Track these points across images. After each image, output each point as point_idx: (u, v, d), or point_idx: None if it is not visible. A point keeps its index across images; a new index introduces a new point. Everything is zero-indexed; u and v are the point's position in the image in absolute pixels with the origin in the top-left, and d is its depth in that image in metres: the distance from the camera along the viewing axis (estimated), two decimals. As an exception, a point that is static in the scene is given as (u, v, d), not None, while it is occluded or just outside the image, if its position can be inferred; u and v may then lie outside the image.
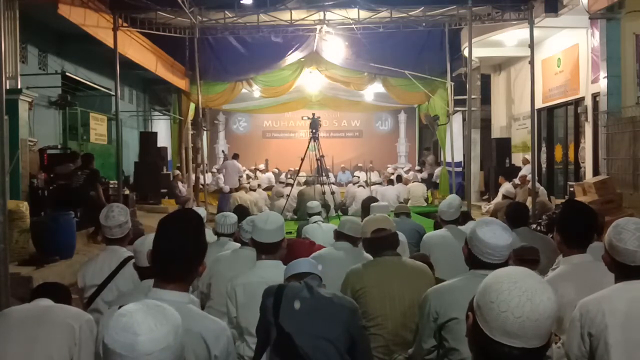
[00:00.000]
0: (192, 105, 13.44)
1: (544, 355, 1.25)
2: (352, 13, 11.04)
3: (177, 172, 13.51)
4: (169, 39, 11.29)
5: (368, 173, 15.76)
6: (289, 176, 15.11)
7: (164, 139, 14.98)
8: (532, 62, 9.69)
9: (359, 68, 13.07)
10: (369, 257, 3.33)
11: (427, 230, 5.31)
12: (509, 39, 11.72)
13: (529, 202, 9.09)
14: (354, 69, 13.21)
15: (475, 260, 2.36)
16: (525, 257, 3.34)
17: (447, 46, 12.21)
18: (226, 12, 11.07)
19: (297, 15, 11.18)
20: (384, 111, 19.21)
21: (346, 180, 16.39)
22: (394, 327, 3.00)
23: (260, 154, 18.64)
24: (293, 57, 12.84)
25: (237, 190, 12.70)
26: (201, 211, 5.54)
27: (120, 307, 1.87)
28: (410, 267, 3.18)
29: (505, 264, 2.30)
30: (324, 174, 10.67)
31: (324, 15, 11.13)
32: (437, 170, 14.49)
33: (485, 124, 14.54)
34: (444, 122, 13.12)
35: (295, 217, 10.86)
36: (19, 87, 7.81)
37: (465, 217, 5.06)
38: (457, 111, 13.14)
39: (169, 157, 14.78)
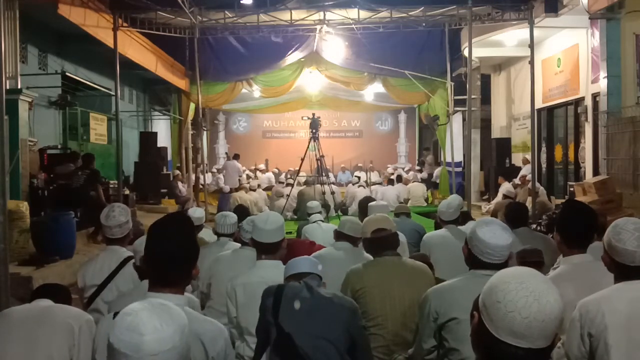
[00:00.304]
0: (192, 105, 13.44)
1: (548, 356, 1.25)
2: (352, 13, 11.04)
3: (177, 172, 13.52)
4: (169, 39, 11.29)
5: (368, 173, 15.76)
6: (289, 176, 15.12)
7: (164, 139, 14.99)
8: (532, 62, 9.69)
9: (359, 68, 13.07)
10: (369, 257, 3.33)
11: (427, 230, 5.31)
12: (509, 39, 11.72)
13: (529, 202, 9.09)
14: (354, 69, 13.21)
15: (475, 260, 2.36)
16: (528, 260, 3.34)
17: (447, 46, 12.21)
18: (226, 12, 11.07)
19: (297, 15, 11.18)
20: (384, 111, 19.21)
21: (346, 180, 16.39)
22: (394, 327, 3.00)
23: (260, 154, 18.64)
24: (293, 57, 12.84)
25: (237, 190, 12.71)
26: (199, 211, 5.55)
27: (115, 314, 1.90)
28: (411, 267, 3.18)
29: (505, 264, 2.30)
30: (324, 174, 10.67)
31: (324, 15, 11.13)
32: (437, 170, 14.49)
33: (485, 124, 14.54)
34: (444, 122, 13.12)
35: (295, 217, 10.86)
36: (19, 87, 7.81)
37: (465, 217, 5.05)
38: (457, 111, 13.14)
39: (169, 157, 14.79)
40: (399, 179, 13.56)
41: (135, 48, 10.68)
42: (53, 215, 7.02)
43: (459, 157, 13.58)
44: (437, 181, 14.20)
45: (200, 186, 13.02)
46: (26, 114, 7.91)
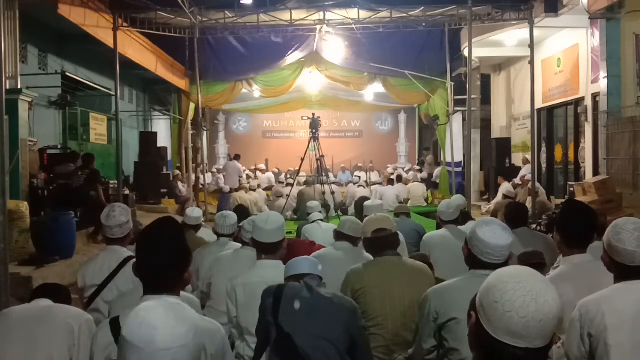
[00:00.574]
0: (192, 105, 13.44)
1: (546, 355, 1.25)
2: (352, 13, 11.04)
3: (177, 172, 13.52)
4: (169, 39, 11.29)
5: (368, 173, 15.76)
6: (289, 176, 15.12)
7: (164, 139, 14.99)
8: (532, 62, 9.69)
9: (359, 68, 13.06)
10: (369, 257, 3.33)
11: (428, 230, 5.31)
12: (509, 39, 11.72)
13: (528, 202, 9.09)
14: (354, 69, 13.21)
15: (475, 260, 2.36)
16: (531, 262, 3.36)
17: (447, 46, 12.21)
18: (226, 12, 11.07)
19: (297, 15, 11.18)
20: (384, 111, 19.21)
21: (346, 180, 16.40)
22: (394, 327, 3.00)
23: (260, 154, 18.65)
24: (293, 57, 12.84)
25: (237, 190, 12.71)
26: (197, 211, 5.56)
27: (112, 320, 1.92)
28: (411, 267, 3.18)
29: (505, 264, 2.30)
30: (324, 174, 10.67)
31: (324, 15, 11.13)
32: (437, 170, 14.48)
33: (485, 124, 14.54)
34: (444, 122, 13.12)
35: (295, 217, 10.86)
36: (19, 87, 7.81)
37: (465, 217, 5.06)
38: (457, 111, 13.14)
39: (169, 157, 14.79)
40: (399, 179, 13.56)
41: (135, 48, 10.68)
42: (53, 215, 7.02)
43: (459, 157, 13.58)
44: (437, 181, 14.19)
45: (200, 186, 13.02)
46: (26, 114, 7.90)
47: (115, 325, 1.91)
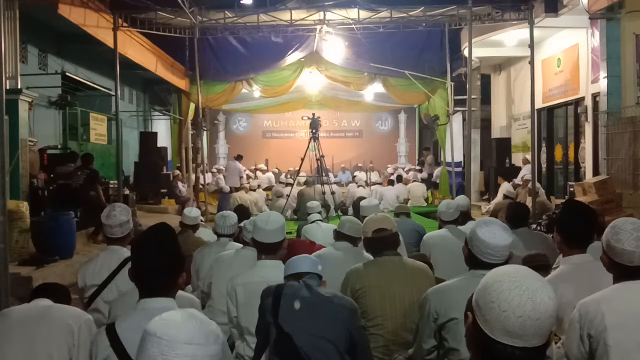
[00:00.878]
0: (192, 105, 13.44)
1: (544, 354, 1.24)
2: (352, 13, 11.05)
3: (177, 172, 13.51)
4: (169, 39, 11.29)
5: (368, 173, 15.76)
6: (289, 176, 15.13)
7: (164, 139, 14.99)
8: (532, 62, 9.69)
9: (359, 68, 13.06)
10: (369, 256, 3.33)
11: (429, 231, 5.31)
12: (509, 39, 11.72)
13: (528, 202, 9.09)
14: (354, 69, 13.20)
15: (475, 260, 2.36)
16: (535, 264, 3.39)
17: (447, 46, 12.20)
18: (226, 12, 11.07)
19: (297, 15, 11.18)
20: (384, 111, 19.20)
21: (346, 180, 16.40)
22: (394, 327, 2.99)
23: (260, 154, 18.65)
24: (293, 57, 12.84)
25: (237, 190, 12.71)
26: (195, 211, 5.57)
27: (108, 326, 1.94)
28: (411, 267, 3.18)
29: (505, 264, 2.30)
30: (324, 174, 10.67)
31: (324, 15, 11.14)
32: (437, 170, 14.49)
33: (485, 124, 14.55)
34: (444, 122, 13.12)
35: (295, 217, 10.86)
36: (19, 87, 7.81)
37: (465, 217, 5.06)
38: (457, 111, 13.14)
39: (169, 157, 14.79)
40: (399, 179, 13.56)
41: (135, 48, 10.68)
42: (53, 215, 7.01)
43: (459, 157, 13.58)
44: (437, 181, 14.20)
45: (200, 186, 13.02)
46: (26, 114, 7.90)
47: (112, 333, 1.93)
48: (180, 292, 2.34)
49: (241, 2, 11.01)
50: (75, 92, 12.02)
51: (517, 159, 13.04)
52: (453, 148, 12.79)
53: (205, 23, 11.29)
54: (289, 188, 11.93)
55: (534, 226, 6.86)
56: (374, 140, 19.89)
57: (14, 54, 7.65)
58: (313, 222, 5.83)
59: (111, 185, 10.06)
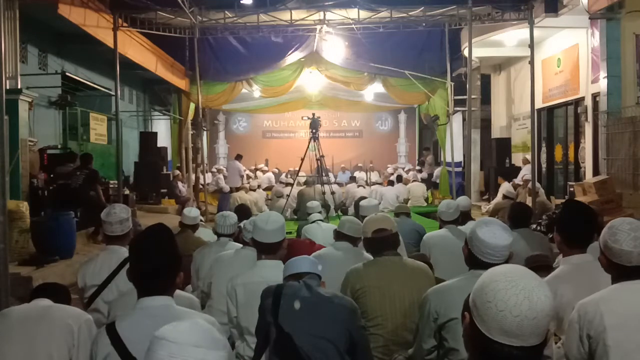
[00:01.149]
0: (192, 105, 13.44)
1: (541, 353, 1.24)
2: (352, 13, 11.04)
3: (177, 172, 13.52)
4: (169, 39, 11.29)
5: (368, 173, 15.76)
6: (289, 176, 15.13)
7: (164, 139, 15.00)
8: (532, 62, 9.69)
9: (359, 68, 13.06)
10: (369, 256, 3.32)
11: (429, 230, 5.31)
12: (509, 39, 11.72)
13: (528, 202, 9.08)
14: (354, 69, 13.20)
15: (475, 260, 2.36)
16: (537, 264, 3.40)
17: (447, 46, 12.20)
18: (226, 12, 11.07)
19: (297, 15, 11.18)
20: (384, 111, 19.20)
21: (346, 180, 16.40)
22: (393, 327, 2.99)
23: (260, 154, 18.65)
24: (293, 57, 12.84)
25: (237, 190, 12.71)
26: (194, 211, 5.57)
27: (108, 326, 1.95)
28: (411, 267, 3.18)
29: (505, 264, 2.30)
30: (324, 174, 10.67)
31: (324, 15, 11.13)
32: (437, 170, 14.49)
33: (485, 124, 14.54)
34: (444, 122, 13.12)
35: (295, 217, 10.86)
36: (19, 87, 7.81)
37: (465, 217, 5.06)
38: (457, 111, 13.14)
39: (169, 157, 14.80)
40: (399, 179, 13.56)
41: (135, 48, 10.68)
42: (53, 215, 7.01)
43: (459, 157, 13.58)
44: (437, 181, 14.20)
45: (200, 186, 13.02)
46: (26, 114, 7.90)
47: (112, 331, 1.94)
48: (179, 291, 2.34)
49: (241, 2, 11.01)
50: (75, 92, 12.02)
51: (517, 159, 13.04)
52: (453, 148, 12.79)
53: (205, 23, 11.29)
54: (289, 188, 11.93)
55: (533, 226, 6.86)
56: (374, 140, 19.89)
57: (14, 54, 7.65)
58: (314, 222, 5.83)
59: (111, 185, 10.06)
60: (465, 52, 10.54)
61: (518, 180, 10.63)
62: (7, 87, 6.56)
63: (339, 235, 3.87)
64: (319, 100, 16.35)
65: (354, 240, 3.76)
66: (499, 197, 10.79)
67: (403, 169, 16.70)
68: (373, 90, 14.74)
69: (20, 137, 7.40)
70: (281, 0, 10.99)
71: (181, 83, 13.11)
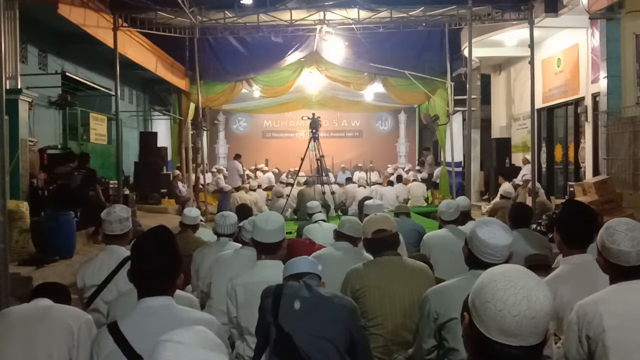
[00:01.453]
0: (192, 105, 13.44)
1: (541, 352, 1.24)
2: (352, 13, 11.04)
3: (177, 172, 13.52)
4: (169, 39, 11.29)
5: (368, 173, 15.76)
6: (289, 176, 15.14)
7: (164, 139, 15.00)
8: (532, 62, 9.69)
9: (359, 68, 13.06)
10: (369, 256, 3.32)
11: (429, 231, 5.31)
12: (509, 39, 11.72)
13: (528, 202, 9.08)
14: (354, 69, 13.20)
15: (475, 260, 2.36)
16: (535, 263, 3.40)
17: (447, 46, 12.20)
18: (226, 12, 11.07)
19: (297, 15, 11.18)
20: (384, 111, 19.21)
21: (344, 180, 16.38)
22: (393, 327, 2.99)
23: (260, 154, 18.65)
24: (293, 57, 12.84)
25: (237, 190, 12.72)
26: (195, 211, 5.57)
27: (110, 325, 1.95)
28: (411, 267, 3.18)
29: (505, 263, 2.30)
30: (324, 174, 10.66)
31: (324, 15, 11.13)
32: (437, 170, 14.48)
33: (485, 124, 14.55)
34: (444, 122, 13.12)
35: (295, 217, 10.86)
36: (19, 87, 7.81)
37: (465, 217, 5.06)
38: (457, 111, 13.14)
39: (169, 157, 14.80)
40: (399, 179, 13.56)
41: (135, 48, 10.68)
42: (53, 215, 7.01)
43: (459, 157, 13.58)
44: (437, 181, 14.20)
45: (200, 186, 13.03)
46: (26, 114, 7.90)
47: (115, 330, 1.94)
48: (178, 291, 2.35)
49: (241, 2, 11.01)
50: (75, 92, 12.02)
51: (517, 159, 13.04)
52: (453, 148, 12.79)
53: (205, 23, 11.29)
54: (289, 188, 11.93)
55: (533, 226, 6.85)
56: (374, 140, 19.89)
57: (14, 54, 7.64)
58: (316, 222, 5.83)
59: (111, 185, 10.05)
60: (465, 52, 10.54)
61: (518, 180, 10.63)
62: (7, 87, 6.56)
63: (339, 235, 3.87)
64: (319, 100, 16.35)
65: (354, 240, 3.76)
66: (498, 197, 10.78)
67: (403, 169, 16.70)
68: (373, 90, 14.74)
69: (20, 137, 7.40)
70: (281, 0, 10.99)
71: (181, 83, 13.11)
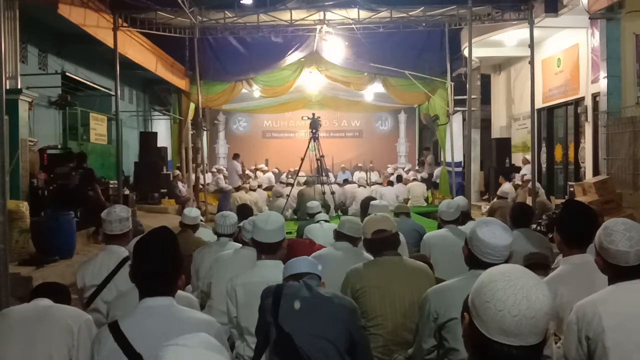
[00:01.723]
0: (192, 105, 13.45)
1: (541, 352, 1.25)
2: (352, 13, 11.04)
3: (177, 172, 13.52)
4: (169, 39, 11.29)
5: (368, 173, 15.75)
6: (289, 176, 15.14)
7: (164, 139, 15.00)
8: (532, 62, 9.68)
9: (359, 68, 13.06)
10: (369, 256, 3.32)
11: (428, 231, 5.31)
12: (509, 39, 11.72)
13: (528, 202, 9.08)
14: (354, 69, 13.21)
15: (475, 260, 2.36)
16: (534, 262, 3.40)
17: (447, 46, 12.21)
18: (226, 12, 11.07)
19: (297, 15, 11.18)
20: (384, 111, 19.21)
21: (342, 181, 16.38)
22: (393, 327, 2.99)
23: (260, 154, 18.65)
24: (293, 57, 12.84)
25: (237, 190, 12.72)
26: (195, 211, 5.57)
27: (111, 324, 1.95)
28: (411, 267, 3.18)
29: (505, 263, 2.30)
30: (324, 174, 10.67)
31: (324, 15, 11.13)
32: (437, 170, 14.49)
33: (485, 124, 14.55)
34: (444, 122, 13.12)
35: (295, 217, 10.86)
36: (19, 87, 7.81)
37: (465, 217, 5.06)
38: (457, 111, 13.14)
39: (169, 157, 14.80)
40: (399, 179, 13.56)
41: (135, 48, 10.68)
42: (53, 215, 7.01)
43: (459, 157, 13.58)
44: (437, 181, 14.20)
45: (200, 186, 13.03)
46: (26, 114, 7.90)
47: (116, 329, 1.95)
48: (178, 291, 2.35)
49: (241, 2, 11.01)
50: (75, 92, 12.02)
51: (517, 159, 13.04)
52: (453, 148, 12.79)
53: (205, 23, 11.29)
54: (288, 188, 11.93)
55: (533, 226, 6.85)
56: (374, 140, 19.89)
57: (14, 54, 7.64)
58: (317, 222, 5.83)
59: (111, 185, 10.05)
60: (465, 52, 10.54)
61: (518, 180, 10.64)
62: (7, 87, 6.57)
63: (339, 235, 3.87)
64: (319, 100, 16.35)
65: (354, 240, 3.75)
66: (496, 198, 10.78)
67: (403, 169, 16.70)
68: (373, 90, 14.74)
69: (20, 137, 7.40)
70: (281, 0, 11.00)
71: (181, 83, 13.12)
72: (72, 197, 7.93)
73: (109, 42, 9.42)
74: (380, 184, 14.13)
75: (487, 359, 1.25)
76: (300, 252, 3.48)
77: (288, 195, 11.36)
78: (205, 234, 5.65)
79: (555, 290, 2.48)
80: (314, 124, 10.41)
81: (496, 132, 14.46)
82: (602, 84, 9.04)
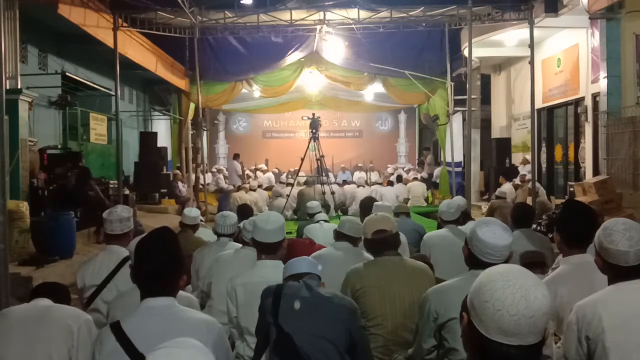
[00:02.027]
0: (192, 105, 13.45)
1: (540, 352, 1.25)
2: (352, 13, 11.04)
3: (177, 172, 13.52)
4: (169, 39, 11.29)
5: (368, 173, 15.75)
6: (289, 176, 15.14)
7: (164, 139, 15.00)
8: (532, 62, 9.69)
9: (359, 68, 13.07)
10: (369, 256, 3.32)
11: (428, 231, 5.31)
12: (509, 39, 11.73)
13: (528, 202, 9.08)
14: (354, 69, 13.21)
15: (475, 260, 2.36)
16: (530, 261, 3.40)
17: (447, 46, 12.21)
18: (226, 12, 11.07)
19: (297, 15, 11.18)
20: (384, 111, 19.22)
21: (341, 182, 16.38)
22: (393, 327, 2.99)
23: (260, 154, 18.65)
24: (293, 57, 12.85)
25: (237, 190, 12.72)
26: (195, 211, 5.57)
27: (113, 325, 1.95)
28: (411, 267, 3.18)
29: (505, 264, 2.30)
30: (324, 174, 10.67)
31: (324, 15, 11.14)
32: (437, 170, 14.49)
33: (485, 124, 14.55)
34: (444, 122, 13.13)
35: (295, 217, 10.85)
36: (19, 87, 7.81)
37: (465, 217, 5.06)
38: (457, 111, 13.14)
39: (169, 157, 14.80)
40: (399, 179, 13.55)
41: (135, 48, 10.68)
42: (53, 215, 7.02)
43: (459, 157, 13.58)
44: (437, 181, 14.20)
45: (200, 186, 13.03)
46: (26, 114, 7.90)
47: (118, 329, 1.95)
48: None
49: (241, 2, 11.02)
50: (75, 92, 12.02)
51: (517, 159, 13.05)
52: (453, 148, 12.79)
53: (205, 23, 11.29)
54: (288, 188, 11.93)
55: (534, 226, 6.85)
56: (374, 140, 19.90)
57: (14, 54, 7.65)
58: (317, 222, 5.83)
59: (111, 185, 10.05)
60: (465, 52, 10.54)
61: (518, 180, 10.64)
62: (7, 87, 6.56)
63: (339, 235, 3.87)
64: (319, 100, 16.35)
65: (354, 240, 3.75)
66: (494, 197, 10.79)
67: (403, 169, 16.70)
68: (373, 90, 14.74)
69: (20, 137, 7.40)
70: (281, 0, 11.00)
71: (181, 83, 13.12)
72: (71, 197, 7.93)
73: (109, 42, 9.43)
74: (380, 184, 14.13)
75: (486, 359, 1.25)
76: (300, 252, 3.48)
77: (288, 195, 11.35)
78: (205, 234, 5.66)
79: (555, 290, 2.48)
80: (314, 124, 10.41)
81: (496, 132, 14.46)
82: (602, 84, 9.05)
